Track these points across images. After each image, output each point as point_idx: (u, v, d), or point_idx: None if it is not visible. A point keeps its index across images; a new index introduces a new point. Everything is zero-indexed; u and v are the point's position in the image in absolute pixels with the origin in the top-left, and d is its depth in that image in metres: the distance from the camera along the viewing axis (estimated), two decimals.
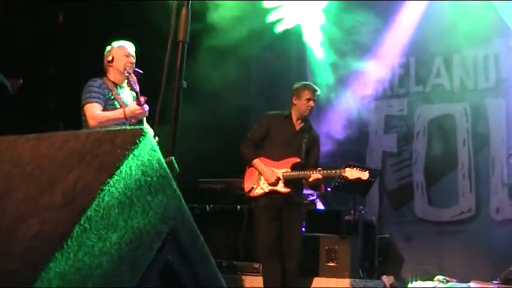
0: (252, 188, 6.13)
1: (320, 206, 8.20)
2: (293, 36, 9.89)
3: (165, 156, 2.30)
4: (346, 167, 6.14)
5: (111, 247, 1.93)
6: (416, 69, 9.71)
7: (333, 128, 9.27)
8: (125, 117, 5.12)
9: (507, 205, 8.62)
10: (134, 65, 5.41)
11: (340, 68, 9.41)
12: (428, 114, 9.54)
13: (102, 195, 1.91)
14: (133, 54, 5.48)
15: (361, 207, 7.92)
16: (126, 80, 5.29)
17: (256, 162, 6.15)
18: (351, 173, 6.10)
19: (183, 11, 3.41)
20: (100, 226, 1.90)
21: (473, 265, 8.19)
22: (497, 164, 8.85)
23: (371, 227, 7.90)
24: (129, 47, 5.51)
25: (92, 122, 5.11)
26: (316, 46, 9.74)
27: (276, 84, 9.56)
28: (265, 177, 6.07)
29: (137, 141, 2.06)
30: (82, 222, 1.84)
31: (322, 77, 9.17)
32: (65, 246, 1.79)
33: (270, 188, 6.06)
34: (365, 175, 6.12)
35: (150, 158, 2.10)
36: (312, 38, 9.80)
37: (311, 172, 6.06)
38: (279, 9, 9.61)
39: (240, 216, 7.64)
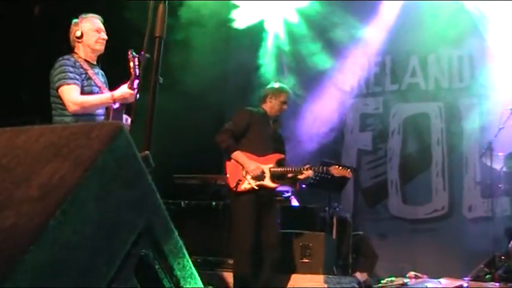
0: (238, 183, 6.03)
1: (295, 202, 8.24)
2: (268, 34, 9.88)
3: (140, 151, 2.32)
4: (332, 165, 6.21)
5: (86, 240, 1.94)
6: (392, 68, 9.81)
7: (308, 125, 9.32)
8: (114, 102, 4.71)
9: (479, 203, 8.74)
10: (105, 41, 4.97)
11: (316, 66, 9.45)
12: (403, 113, 9.64)
13: (77, 189, 1.92)
14: (104, 28, 5.00)
15: (336, 204, 7.97)
16: (97, 58, 4.96)
17: (238, 153, 6.05)
18: (338, 171, 6.17)
19: (160, 6, 3.42)
20: (75, 219, 1.90)
21: (446, 262, 8.29)
22: (470, 163, 8.98)
23: (345, 224, 7.94)
24: (99, 20, 5.02)
25: (73, 107, 4.65)
26: (291, 44, 9.75)
27: (252, 81, 9.58)
28: (248, 169, 5.98)
29: (113, 135, 2.07)
30: (57, 216, 1.85)
31: (298, 75, 9.20)
32: (40, 239, 1.80)
33: (258, 183, 6.02)
34: (349, 173, 6.26)
35: (125, 152, 2.11)
36: (287, 36, 9.81)
37: (302, 168, 6.09)
38: (252, 7, 9.60)
39: (215, 212, 7.63)
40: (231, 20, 9.29)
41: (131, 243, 2.15)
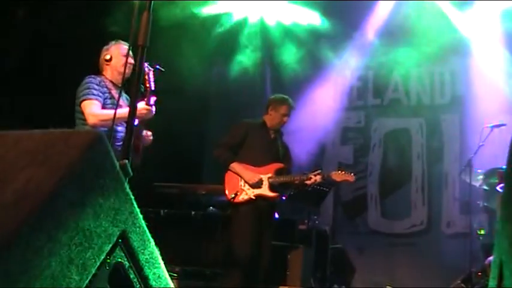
0: (236, 194, 6.00)
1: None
2: (253, 40, 9.87)
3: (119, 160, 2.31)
4: (333, 172, 6.26)
5: (61, 248, 1.93)
6: (374, 83, 9.84)
7: (289, 137, 9.28)
8: None
9: (458, 219, 8.78)
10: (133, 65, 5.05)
11: (298, 78, 9.46)
12: (384, 128, 9.68)
13: (53, 196, 1.90)
14: (132, 54, 5.09)
15: (315, 217, 7.97)
16: (121, 80, 5.16)
17: (235, 165, 6.08)
18: (340, 176, 6.20)
19: (145, 14, 3.41)
20: (50, 226, 1.89)
21: (424, 277, 8.32)
22: (449, 179, 9.03)
23: (324, 236, 7.95)
24: (127, 46, 5.13)
25: (92, 120, 4.89)
26: (275, 54, 9.75)
27: (235, 89, 9.58)
28: (246, 178, 6.01)
29: (92, 143, 2.06)
30: (32, 222, 1.83)
31: (281, 87, 9.20)
32: (13, 246, 1.78)
33: (257, 193, 6.01)
34: (352, 177, 6.26)
35: (103, 161, 2.11)
36: (272, 46, 9.80)
37: (310, 175, 6.09)
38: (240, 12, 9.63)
39: (194, 222, 7.61)
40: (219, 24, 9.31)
41: (106, 252, 2.14)
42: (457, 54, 9.14)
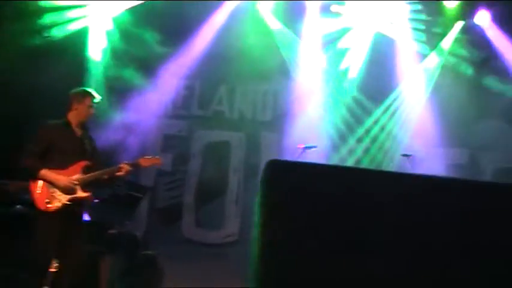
0: (48, 203, 5.74)
1: (85, 217, 8.06)
2: (74, 41, 9.60)
3: None
4: (140, 158, 6.27)
5: None
6: (200, 94, 9.95)
7: (109, 141, 9.12)
8: None
9: None
10: None
11: (121, 82, 9.34)
12: (206, 138, 9.84)
13: None
14: None
15: (127, 222, 7.90)
16: None
17: (46, 172, 5.78)
18: (146, 161, 6.25)
19: None
20: None
21: (234, 287, 8.53)
22: None
23: (135, 242, 7.91)
24: None
25: None
26: (98, 55, 9.55)
27: (60, 92, 9.30)
28: (61, 185, 5.76)
29: None
30: None
31: (101, 89, 9.03)
32: None
33: (70, 197, 5.80)
34: (158, 160, 6.47)
35: None
36: (95, 47, 9.58)
37: (121, 165, 6.01)
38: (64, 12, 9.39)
39: (15, 220, 7.23)
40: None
41: None
42: (281, 74, 9.54)
